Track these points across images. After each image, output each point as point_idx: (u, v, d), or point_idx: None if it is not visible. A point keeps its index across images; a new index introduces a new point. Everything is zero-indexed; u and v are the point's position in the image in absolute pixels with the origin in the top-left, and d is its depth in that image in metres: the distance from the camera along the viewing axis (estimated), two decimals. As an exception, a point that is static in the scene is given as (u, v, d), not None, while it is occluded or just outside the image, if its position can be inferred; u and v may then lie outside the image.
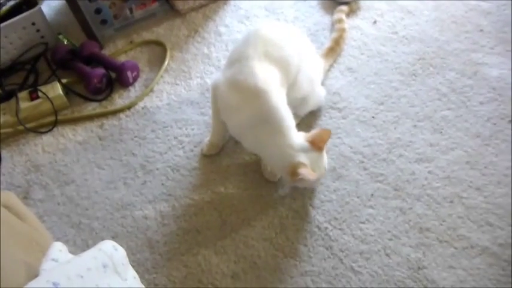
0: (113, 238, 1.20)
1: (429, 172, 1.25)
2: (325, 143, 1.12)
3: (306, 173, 1.06)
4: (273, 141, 1.10)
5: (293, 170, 1.07)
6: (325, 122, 1.36)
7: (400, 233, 1.16)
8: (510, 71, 1.41)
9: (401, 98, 1.40)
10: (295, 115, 1.29)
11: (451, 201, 1.20)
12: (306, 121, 1.36)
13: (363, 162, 1.28)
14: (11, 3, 1.52)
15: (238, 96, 1.11)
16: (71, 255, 0.74)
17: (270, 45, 1.16)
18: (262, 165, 1.26)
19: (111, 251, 0.70)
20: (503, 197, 1.20)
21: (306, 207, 1.21)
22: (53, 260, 0.70)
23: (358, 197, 1.22)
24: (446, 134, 1.32)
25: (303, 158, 1.08)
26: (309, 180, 1.08)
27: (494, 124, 1.33)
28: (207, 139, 1.32)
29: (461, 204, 1.19)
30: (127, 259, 0.74)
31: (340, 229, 1.17)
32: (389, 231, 1.16)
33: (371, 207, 1.20)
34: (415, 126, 1.34)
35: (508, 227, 1.14)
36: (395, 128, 1.34)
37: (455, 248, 1.13)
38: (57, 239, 1.19)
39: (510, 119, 1.32)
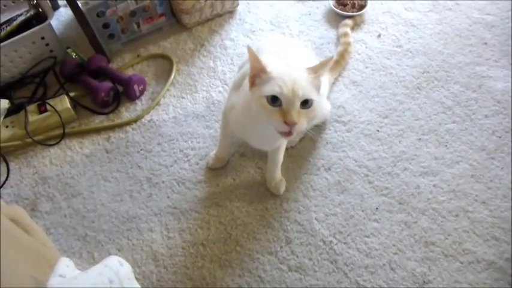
0: (119, 251, 1.21)
1: (434, 186, 1.25)
2: (322, 67, 0.93)
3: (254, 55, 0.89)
4: None
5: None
6: (330, 135, 1.37)
7: (405, 247, 1.16)
8: (515, 84, 1.42)
9: (405, 112, 1.40)
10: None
11: (456, 215, 1.20)
12: (310, 134, 1.36)
13: (367, 175, 1.28)
14: (22, 18, 1.55)
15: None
16: (78, 271, 0.75)
17: (279, 47, 1.16)
18: (267, 179, 1.26)
19: (117, 266, 0.71)
20: (508, 210, 1.19)
21: (311, 220, 1.21)
22: (60, 275, 0.70)
23: (362, 211, 1.22)
24: (451, 148, 1.32)
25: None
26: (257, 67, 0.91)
27: (499, 137, 1.33)
28: (212, 152, 1.33)
29: (466, 218, 1.19)
30: (132, 274, 0.75)
31: (344, 243, 1.17)
32: (394, 245, 1.16)
33: (376, 221, 1.20)
34: (419, 139, 1.34)
35: (514, 242, 1.13)
36: (400, 142, 1.34)
37: (461, 263, 1.12)
38: (63, 252, 1.21)
39: (515, 132, 1.32)
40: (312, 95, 0.90)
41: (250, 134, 1.12)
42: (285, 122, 0.88)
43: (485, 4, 1.67)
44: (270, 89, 0.89)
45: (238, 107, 1.07)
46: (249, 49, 0.90)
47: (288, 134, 0.90)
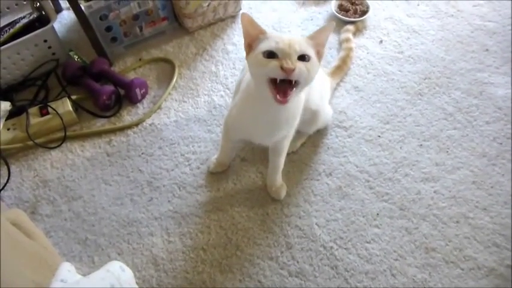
0: (119, 255, 1.21)
1: (435, 192, 1.25)
2: (321, 32, 0.93)
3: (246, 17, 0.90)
4: None
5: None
6: (331, 140, 1.37)
7: (406, 253, 1.16)
8: (516, 91, 1.42)
9: (407, 117, 1.41)
10: (303, 133, 1.30)
11: (457, 222, 1.20)
12: (312, 139, 1.37)
13: (368, 181, 1.28)
14: (24, 20, 1.56)
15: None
16: (79, 276, 0.75)
17: None
18: (268, 184, 1.26)
19: (118, 272, 0.71)
20: (509, 217, 1.19)
21: (312, 226, 1.21)
22: (62, 280, 0.70)
23: (363, 216, 1.22)
24: (452, 154, 1.32)
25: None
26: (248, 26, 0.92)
27: (501, 144, 1.33)
28: (214, 157, 1.33)
29: (467, 225, 1.19)
30: (134, 280, 0.75)
31: (345, 248, 1.17)
32: (395, 251, 1.16)
33: (377, 226, 1.20)
34: (421, 145, 1.34)
35: (515, 249, 1.13)
36: (401, 147, 1.34)
37: (462, 269, 1.12)
38: (63, 255, 1.20)
39: (516, 139, 1.32)
40: (308, 51, 0.90)
41: (251, 127, 1.10)
42: (282, 69, 0.86)
43: (487, 11, 1.68)
44: (267, 45, 0.90)
45: (239, 101, 1.08)
46: (244, 15, 0.90)
47: (284, 94, 0.88)
